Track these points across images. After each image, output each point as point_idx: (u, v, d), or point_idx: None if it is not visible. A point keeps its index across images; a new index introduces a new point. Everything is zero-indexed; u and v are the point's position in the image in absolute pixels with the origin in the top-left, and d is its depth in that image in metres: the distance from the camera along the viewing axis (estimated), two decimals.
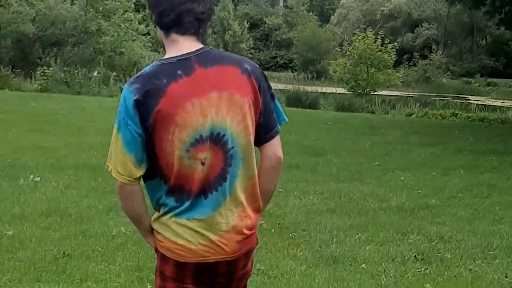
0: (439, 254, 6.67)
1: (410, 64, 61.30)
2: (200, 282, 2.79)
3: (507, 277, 6.06)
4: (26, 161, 10.47)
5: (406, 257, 6.52)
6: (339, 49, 46.09)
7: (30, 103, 19.76)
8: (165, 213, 2.73)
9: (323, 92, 34.31)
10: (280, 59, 76.18)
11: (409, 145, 14.98)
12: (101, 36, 34.40)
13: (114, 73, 30.18)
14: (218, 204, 2.72)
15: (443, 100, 36.26)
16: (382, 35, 37.22)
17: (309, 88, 33.31)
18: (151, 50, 39.15)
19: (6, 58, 29.91)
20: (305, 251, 6.64)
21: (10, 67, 28.95)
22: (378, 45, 35.60)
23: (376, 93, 35.35)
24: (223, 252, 2.76)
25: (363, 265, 6.28)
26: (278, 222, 7.67)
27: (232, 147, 2.71)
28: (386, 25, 73.11)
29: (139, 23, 39.52)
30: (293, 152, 12.70)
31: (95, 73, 30.15)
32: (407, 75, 52.60)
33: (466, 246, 6.99)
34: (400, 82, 39.94)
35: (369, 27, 44.70)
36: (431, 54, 59.58)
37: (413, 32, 74.87)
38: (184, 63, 2.66)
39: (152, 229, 2.83)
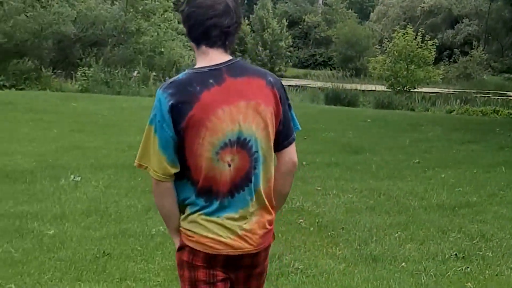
0: (480, 253, 6.60)
1: (451, 60, 60.74)
2: (228, 271, 3.03)
3: None
4: (67, 161, 10.61)
5: (446, 256, 6.47)
6: (379, 47, 45.80)
7: (71, 104, 19.96)
8: (193, 212, 2.95)
9: (362, 90, 33.99)
10: (319, 57, 75.87)
11: (450, 142, 14.83)
12: (141, 36, 34.60)
13: (154, 73, 30.31)
14: (245, 202, 2.96)
15: (484, 97, 35.72)
16: (422, 32, 36.80)
17: (348, 86, 33.09)
18: (190, 49, 39.20)
19: (47, 59, 30.17)
20: (344, 250, 6.63)
21: (51, 68, 29.27)
22: (418, 42, 35.26)
23: (416, 90, 35.03)
24: (249, 245, 2.99)
25: (403, 263, 6.25)
26: (317, 220, 7.66)
27: (256, 151, 2.95)
28: (426, 21, 72.29)
29: (179, 22, 39.60)
30: (331, 150, 12.69)
31: (135, 73, 30.36)
32: (448, 71, 52.17)
33: (508, 244, 6.91)
34: (440, 79, 39.48)
35: (409, 23, 44.36)
36: (472, 50, 58.94)
37: (453, 29, 73.97)
38: (215, 73, 2.90)
39: (178, 228, 3.05)
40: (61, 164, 10.29)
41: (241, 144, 2.90)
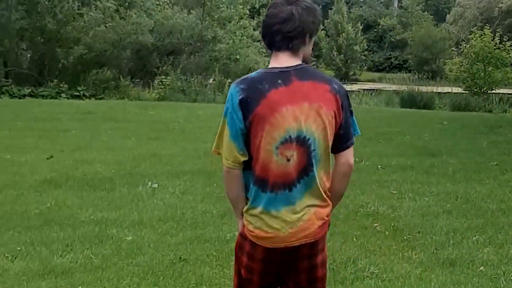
0: None
1: None
2: (286, 264, 3.33)
3: None
4: (145, 168, 10.81)
5: None
6: (455, 48, 45.03)
7: (149, 112, 20.29)
8: (253, 204, 3.25)
9: (438, 92, 33.54)
10: (394, 60, 75.19)
11: None
12: (217, 44, 34.87)
13: (229, 80, 30.43)
14: (302, 195, 3.22)
15: None
16: (500, 33, 36.10)
17: (423, 88, 32.72)
18: (265, 56, 39.39)
19: (125, 69, 30.65)
20: (421, 254, 6.58)
21: (130, 77, 29.80)
22: (496, 43, 34.58)
23: (493, 91, 34.35)
24: (307, 235, 3.25)
25: (481, 267, 6.18)
26: (393, 224, 7.62)
27: (314, 150, 3.19)
28: (504, 22, 70.64)
29: (254, 29, 39.85)
30: (407, 153, 12.58)
31: (211, 80, 30.64)
32: None
33: None
34: None
35: (486, 24, 43.45)
36: None
37: None
38: (284, 74, 3.17)
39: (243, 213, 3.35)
40: (139, 172, 10.48)
41: (301, 141, 3.15)
